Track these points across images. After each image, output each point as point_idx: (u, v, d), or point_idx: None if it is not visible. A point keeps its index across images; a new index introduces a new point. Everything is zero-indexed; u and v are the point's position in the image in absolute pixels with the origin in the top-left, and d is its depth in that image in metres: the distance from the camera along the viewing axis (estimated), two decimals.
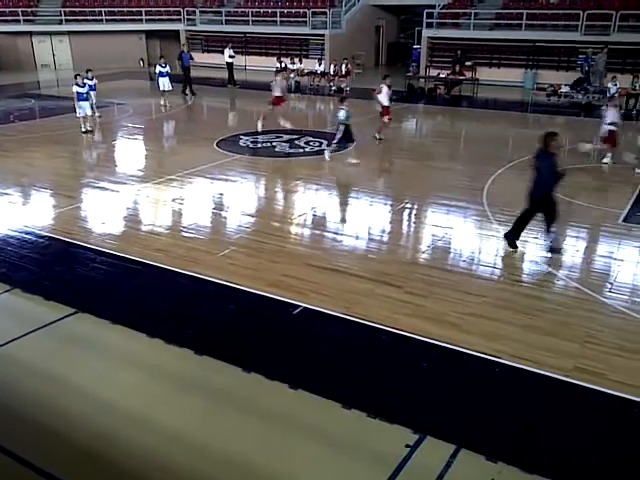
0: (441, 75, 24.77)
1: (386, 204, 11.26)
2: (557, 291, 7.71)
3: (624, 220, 10.02)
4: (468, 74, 24.82)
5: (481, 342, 6.36)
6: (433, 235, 9.60)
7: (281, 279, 7.85)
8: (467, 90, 24.17)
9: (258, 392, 5.66)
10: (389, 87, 15.76)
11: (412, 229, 10.29)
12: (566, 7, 24.98)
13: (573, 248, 9.13)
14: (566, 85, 21.57)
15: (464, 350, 6.24)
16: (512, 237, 8.79)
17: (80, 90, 16.51)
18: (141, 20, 32.93)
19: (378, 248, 9.16)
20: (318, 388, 5.63)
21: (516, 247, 8.76)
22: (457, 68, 24.64)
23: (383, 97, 15.60)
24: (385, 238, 9.62)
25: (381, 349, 6.41)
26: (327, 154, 13.83)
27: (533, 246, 9.03)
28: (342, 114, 13.52)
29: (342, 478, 4.70)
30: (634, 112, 19.67)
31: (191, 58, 24.36)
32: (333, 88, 24.99)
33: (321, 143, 15.55)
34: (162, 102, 21.10)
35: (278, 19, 31.01)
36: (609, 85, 19.55)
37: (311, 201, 11.47)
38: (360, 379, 5.86)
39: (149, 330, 6.62)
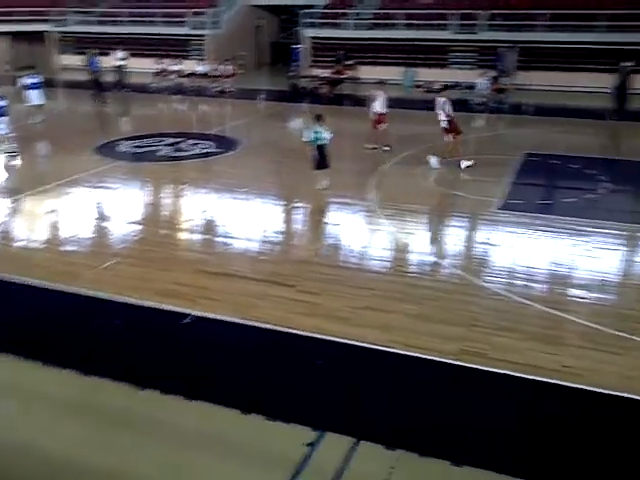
0: (323, 74, 25.15)
1: (276, 204, 11.26)
2: (442, 279, 8.06)
3: (500, 208, 10.66)
4: (349, 73, 25.37)
5: (375, 334, 6.51)
6: (323, 233, 9.72)
7: (171, 287, 7.62)
8: (350, 89, 24.70)
9: (153, 408, 5.46)
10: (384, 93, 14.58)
11: (302, 228, 10.37)
12: (439, 7, 26.21)
13: (456, 237, 9.59)
14: (440, 82, 22.70)
15: (359, 344, 6.36)
16: None
17: None
18: (6, 21, 30.72)
19: (270, 249, 9.14)
20: (215, 397, 5.52)
21: None
22: (339, 68, 25.13)
23: (378, 104, 14.61)
24: (276, 239, 9.61)
25: (277, 350, 6.39)
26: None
27: (419, 238, 9.39)
28: (313, 134, 11.14)
29: None
30: (503, 105, 20.95)
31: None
32: (217, 89, 24.66)
33: (208, 145, 15.28)
34: (33, 119, 18.13)
35: (156, 19, 30.13)
36: (479, 81, 20.69)
37: (200, 205, 11.23)
38: (257, 382, 5.81)
39: (27, 354, 6.17)
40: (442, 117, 13.27)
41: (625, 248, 9.23)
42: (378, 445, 4.93)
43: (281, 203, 11.30)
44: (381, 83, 16.58)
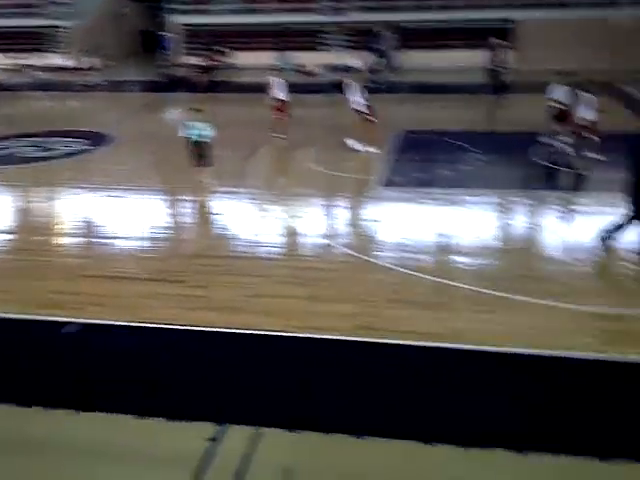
0: (196, 62, 24.55)
1: (156, 199, 10.90)
2: (332, 259, 8.18)
3: (383, 185, 10.95)
4: (223, 59, 24.94)
5: (269, 320, 6.50)
6: (209, 224, 9.53)
7: (52, 297, 7.15)
8: (225, 75, 24.30)
9: (45, 426, 5.11)
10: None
11: (187, 222, 10.09)
12: None
13: (342, 217, 9.77)
14: (317, 65, 22.90)
15: (254, 332, 6.31)
16: None
17: None
18: None
19: (154, 246, 8.83)
20: (109, 405, 5.27)
21: None
22: (211, 54, 24.63)
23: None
24: (160, 235, 9.28)
25: (172, 349, 6.20)
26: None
27: (306, 221, 9.46)
28: (193, 131, 10.28)
29: None
30: (382, 85, 21.47)
31: None
32: (84, 83, 23.34)
33: (78, 143, 14.45)
34: None
35: (7, 11, 27.89)
36: (352, 62, 21.09)
37: (74, 207, 10.62)
38: (153, 384, 5.62)
39: None
40: (358, 100, 13.03)
41: (500, 214, 9.83)
42: (281, 430, 4.94)
43: (162, 198, 10.94)
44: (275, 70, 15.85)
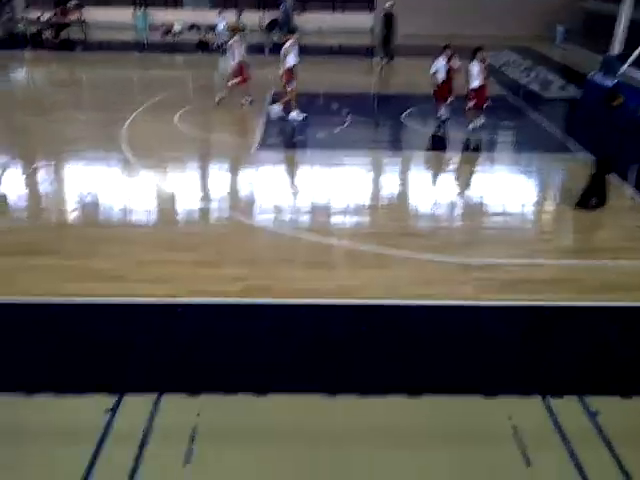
0: (43, 18, 22.55)
1: (15, 167, 10.01)
2: (213, 224, 8.08)
3: (258, 148, 10.91)
4: (74, 15, 23.15)
5: (154, 287, 6.32)
6: (79, 192, 8.95)
7: None
8: (77, 33, 22.62)
9: None
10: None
11: (54, 190, 9.37)
12: None
13: (220, 181, 9.62)
14: (177, 23, 21.98)
15: (139, 300, 6.12)
16: None
17: None
18: None
19: (18, 217, 8.16)
20: None
21: None
22: (61, 10, 22.74)
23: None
24: (25, 205, 8.60)
25: (54, 322, 5.84)
26: None
27: (184, 185, 9.22)
28: None
29: (45, 471, 4.24)
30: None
31: None
32: None
33: None
34: None
35: None
36: (217, 20, 20.52)
37: None
38: (40, 359, 5.28)
39: None
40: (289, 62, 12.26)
41: (372, 173, 10.22)
42: (181, 394, 4.89)
43: (20, 165, 10.06)
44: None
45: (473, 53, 11.62)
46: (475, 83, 11.59)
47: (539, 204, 9.08)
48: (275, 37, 22.27)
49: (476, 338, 5.73)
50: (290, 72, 12.22)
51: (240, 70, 13.22)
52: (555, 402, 4.84)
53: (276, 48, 15.02)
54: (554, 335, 5.85)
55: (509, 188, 9.49)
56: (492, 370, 5.27)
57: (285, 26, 21.54)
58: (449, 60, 11.89)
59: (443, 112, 12.20)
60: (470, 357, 5.45)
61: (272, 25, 23.58)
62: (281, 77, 12.44)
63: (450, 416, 4.75)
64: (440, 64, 11.86)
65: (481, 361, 5.38)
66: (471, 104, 11.75)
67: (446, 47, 11.92)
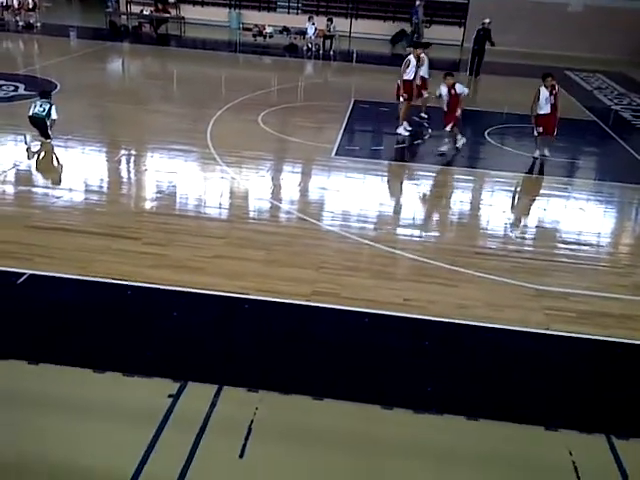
0: (145, 12, 23.61)
1: (105, 152, 10.55)
2: (287, 224, 8.23)
3: (335, 154, 11.03)
4: (173, 12, 24.12)
5: (227, 282, 6.51)
6: (163, 182, 9.34)
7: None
8: (174, 29, 23.54)
9: None
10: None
11: (140, 177, 9.82)
12: None
13: (296, 183, 9.79)
14: (270, 26, 22.47)
15: (212, 292, 6.33)
16: None
17: None
18: None
19: (106, 200, 8.60)
20: (65, 358, 5.19)
21: None
22: (160, 5, 23.73)
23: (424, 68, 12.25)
24: (112, 189, 9.06)
25: (128, 304, 6.14)
26: None
27: (262, 184, 9.43)
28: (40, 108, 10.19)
29: (106, 445, 4.46)
30: (331, 52, 21.42)
31: None
32: (21, 23, 22.04)
33: (16, 87, 13.73)
34: None
35: None
36: (307, 26, 20.90)
37: (13, 154, 10.12)
38: (109, 339, 5.55)
39: None
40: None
41: (447, 188, 10.12)
42: (241, 389, 5.02)
43: (110, 151, 10.59)
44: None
45: (543, 77, 11.07)
46: (542, 110, 10.96)
47: (619, 236, 8.73)
48: (403, 48, 22.19)
49: (544, 368, 5.59)
50: (411, 85, 12.11)
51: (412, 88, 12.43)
52: (619, 443, 4.66)
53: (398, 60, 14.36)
54: (625, 374, 5.62)
55: (589, 216, 9.18)
56: (557, 402, 5.12)
57: (416, 38, 20.87)
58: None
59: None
60: (536, 387, 5.32)
61: (399, 36, 23.41)
62: (402, 89, 12.18)
63: (507, 443, 4.66)
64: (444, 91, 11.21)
65: (547, 392, 5.24)
66: (540, 130, 11.05)
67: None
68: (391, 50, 22.92)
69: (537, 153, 11.40)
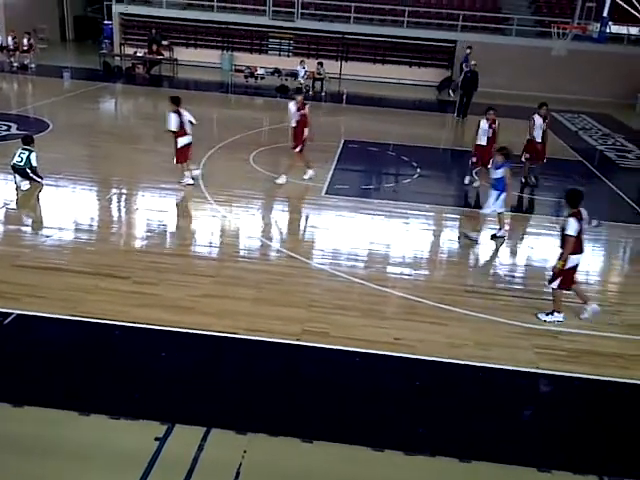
0: (138, 54, 23.98)
1: (96, 191, 10.58)
2: (277, 263, 8.23)
3: (325, 193, 11.12)
4: (166, 54, 24.50)
5: (216, 321, 6.48)
6: (154, 220, 9.35)
7: None
8: (167, 70, 23.88)
9: None
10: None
11: (130, 216, 9.84)
12: None
13: (287, 222, 9.83)
14: (261, 67, 22.87)
15: (201, 332, 6.28)
16: None
17: None
18: None
19: (96, 239, 8.57)
20: (50, 400, 5.10)
21: None
22: (154, 47, 24.11)
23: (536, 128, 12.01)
24: (101, 228, 9.04)
25: (116, 345, 6.08)
26: None
27: (252, 223, 9.46)
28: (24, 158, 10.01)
29: None
30: (322, 94, 21.77)
31: None
32: (15, 64, 22.30)
33: (9, 127, 13.83)
34: None
35: None
36: (298, 68, 21.30)
37: (2, 194, 10.10)
38: (96, 380, 5.48)
39: None
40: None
41: (435, 228, 10.19)
42: (229, 431, 4.95)
43: (101, 190, 10.62)
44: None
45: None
46: (479, 141, 11.61)
47: (608, 274, 8.80)
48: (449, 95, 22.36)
49: (535, 407, 5.56)
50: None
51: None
52: None
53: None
54: (616, 413, 5.59)
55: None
56: (549, 442, 5.08)
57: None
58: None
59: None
60: (528, 426, 5.29)
61: (445, 84, 23.55)
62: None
63: None
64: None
65: (539, 432, 5.20)
66: (473, 160, 11.83)
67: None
68: (437, 96, 23.15)
69: (467, 179, 12.24)
